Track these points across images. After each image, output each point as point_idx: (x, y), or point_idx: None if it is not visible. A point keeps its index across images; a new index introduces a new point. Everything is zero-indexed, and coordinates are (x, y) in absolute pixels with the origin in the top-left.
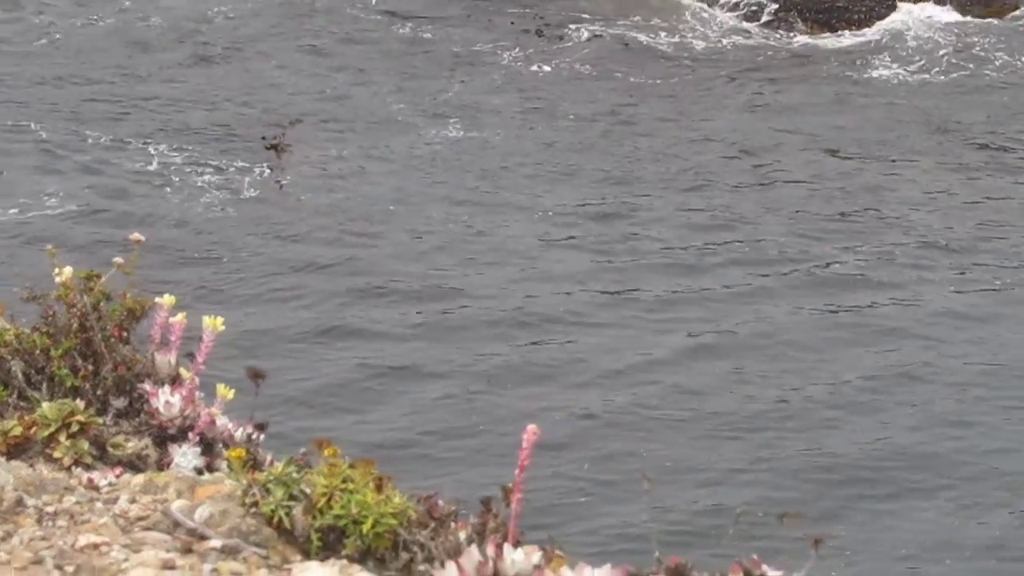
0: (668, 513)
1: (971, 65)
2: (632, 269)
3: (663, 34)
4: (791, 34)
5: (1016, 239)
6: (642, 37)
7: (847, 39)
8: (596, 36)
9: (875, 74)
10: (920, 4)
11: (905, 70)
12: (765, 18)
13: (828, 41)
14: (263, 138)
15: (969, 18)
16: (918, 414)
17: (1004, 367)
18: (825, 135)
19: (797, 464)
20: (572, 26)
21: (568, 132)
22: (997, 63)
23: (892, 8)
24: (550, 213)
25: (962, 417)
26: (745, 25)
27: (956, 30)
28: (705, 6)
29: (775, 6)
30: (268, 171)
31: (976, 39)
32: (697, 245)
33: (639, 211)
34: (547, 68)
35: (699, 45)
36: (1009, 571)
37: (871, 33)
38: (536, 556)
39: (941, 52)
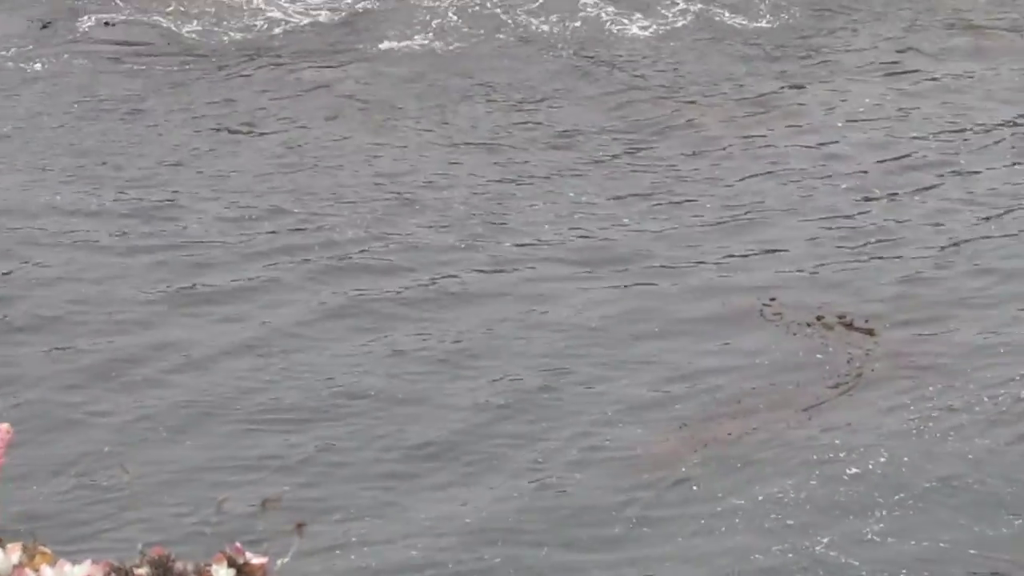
0: (155, 508)
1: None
2: None
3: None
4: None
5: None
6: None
7: (331, 12)
8: None
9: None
10: None
11: (407, 42)
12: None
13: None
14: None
15: None
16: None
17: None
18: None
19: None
20: None
21: None
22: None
23: None
24: None
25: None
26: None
27: None
28: None
29: None
30: None
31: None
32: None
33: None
34: None
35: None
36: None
37: (362, 7)
38: (16, 555)
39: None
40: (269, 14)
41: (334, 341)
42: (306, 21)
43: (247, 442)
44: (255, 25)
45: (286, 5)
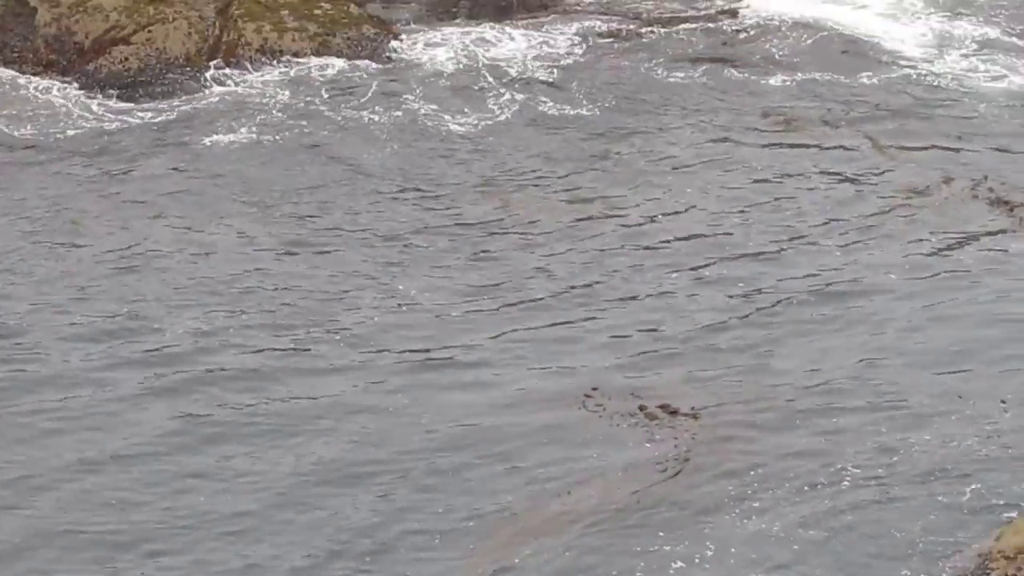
0: None
1: (303, 123)
2: None
3: None
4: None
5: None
6: None
7: (155, 111)
8: None
9: (206, 140)
10: (232, 70)
11: (233, 136)
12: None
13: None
14: None
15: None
16: None
17: None
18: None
19: None
20: None
21: None
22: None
23: (202, 83)
24: None
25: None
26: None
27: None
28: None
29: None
30: None
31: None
32: None
33: None
34: None
35: None
36: None
37: (184, 103)
38: None
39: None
40: (98, 114)
41: (166, 456)
42: (134, 120)
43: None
44: (84, 126)
45: (114, 105)
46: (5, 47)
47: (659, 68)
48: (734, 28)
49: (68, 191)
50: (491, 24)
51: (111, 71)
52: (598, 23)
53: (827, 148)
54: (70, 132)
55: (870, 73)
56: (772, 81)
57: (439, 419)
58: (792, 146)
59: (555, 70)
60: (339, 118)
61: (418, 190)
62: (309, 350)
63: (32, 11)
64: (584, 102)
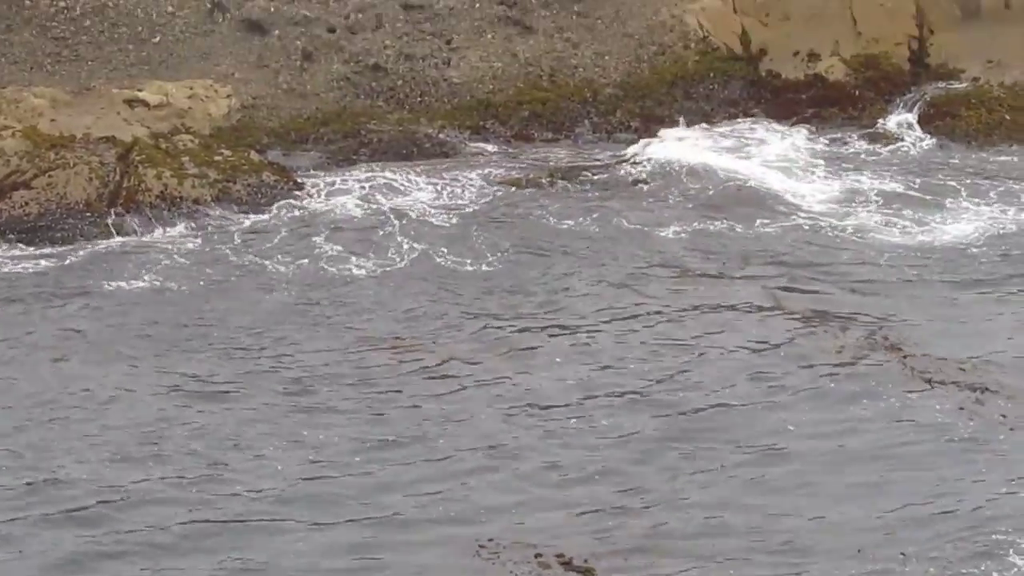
0: None
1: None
2: None
3: None
4: None
5: None
6: None
7: (56, 256)
8: None
9: (108, 286)
10: (132, 216)
11: (135, 282)
12: None
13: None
14: None
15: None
16: None
17: None
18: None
19: None
20: None
21: None
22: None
23: (103, 229)
24: None
25: None
26: None
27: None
28: None
29: None
30: None
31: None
32: None
33: None
34: None
35: None
36: None
37: (86, 249)
38: None
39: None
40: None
41: None
42: (35, 266)
43: None
44: None
45: (14, 251)
46: None
47: (558, 217)
48: (633, 177)
49: None
50: (393, 170)
51: (11, 216)
52: (499, 171)
53: (724, 300)
54: None
55: (768, 224)
56: (669, 231)
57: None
58: (689, 297)
59: (457, 217)
60: (241, 264)
61: (322, 338)
62: (216, 505)
63: None
64: (485, 252)
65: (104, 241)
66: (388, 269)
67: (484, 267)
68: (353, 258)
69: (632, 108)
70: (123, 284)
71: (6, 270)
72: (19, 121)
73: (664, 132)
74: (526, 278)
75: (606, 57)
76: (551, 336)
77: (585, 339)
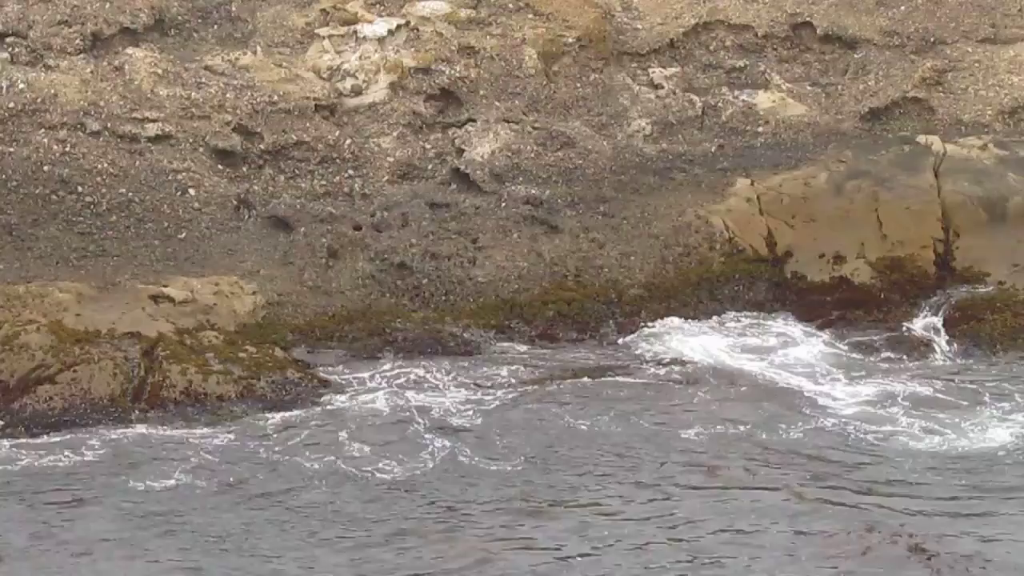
0: None
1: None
2: None
3: None
4: None
5: None
6: None
7: (81, 452)
8: None
9: (132, 483)
10: (157, 411)
11: (159, 478)
12: None
13: None
14: None
15: None
16: None
17: None
18: None
19: None
20: None
21: None
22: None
23: (128, 424)
24: None
25: None
26: None
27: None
28: None
29: None
30: None
31: None
32: None
33: None
34: None
35: None
36: None
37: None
38: None
39: None
40: (22, 454)
41: None
42: (61, 461)
43: None
44: (7, 467)
45: (39, 444)
46: None
47: (581, 417)
48: (657, 378)
49: None
50: (417, 368)
51: (35, 410)
52: (523, 369)
53: (749, 502)
54: None
55: (793, 426)
56: (692, 432)
57: None
58: (713, 500)
59: (482, 416)
60: (267, 461)
61: (349, 536)
62: None
63: None
64: (508, 452)
65: (129, 437)
66: (413, 468)
67: (508, 467)
68: (377, 456)
69: (657, 308)
70: (147, 480)
71: (29, 464)
72: (44, 315)
73: (688, 333)
74: (549, 479)
75: (631, 257)
76: (571, 535)
77: (607, 538)
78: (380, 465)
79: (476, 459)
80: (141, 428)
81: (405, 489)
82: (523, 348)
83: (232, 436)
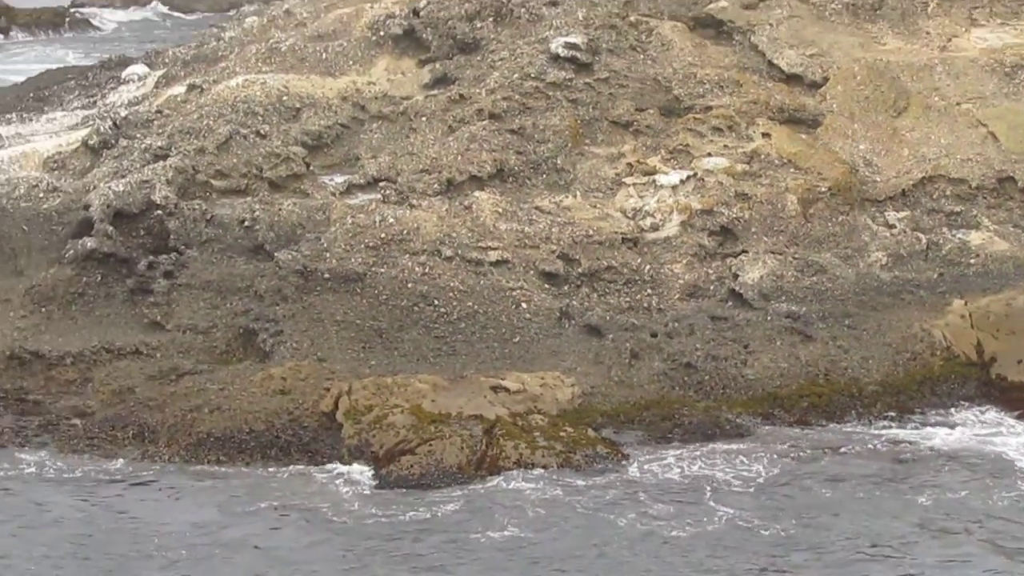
0: None
1: None
2: None
3: None
4: None
5: None
6: None
7: (435, 508)
8: None
9: (473, 535)
10: (494, 478)
11: (496, 531)
12: None
13: None
14: None
15: None
16: None
17: None
18: None
19: None
20: None
21: None
22: None
23: (473, 488)
24: None
25: None
26: None
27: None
28: None
29: None
30: None
31: None
32: None
33: None
34: None
35: None
36: None
37: (459, 502)
38: None
39: None
40: (388, 507)
41: None
42: (420, 514)
43: None
44: (378, 515)
45: (402, 500)
46: (317, 453)
47: (832, 491)
48: (894, 457)
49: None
50: (700, 447)
51: (399, 475)
52: (784, 448)
53: None
54: (364, 520)
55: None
56: (944, 514)
57: None
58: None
59: (753, 487)
60: (582, 513)
61: None
62: None
63: (339, 426)
64: (775, 516)
65: (473, 497)
66: (699, 528)
67: (779, 530)
68: (671, 517)
69: (890, 402)
70: (488, 533)
71: (395, 516)
72: (407, 401)
73: (920, 423)
74: (813, 541)
75: (869, 361)
76: None
77: None
78: (674, 529)
79: (751, 522)
80: (481, 488)
81: (691, 544)
82: (784, 431)
83: (554, 497)
